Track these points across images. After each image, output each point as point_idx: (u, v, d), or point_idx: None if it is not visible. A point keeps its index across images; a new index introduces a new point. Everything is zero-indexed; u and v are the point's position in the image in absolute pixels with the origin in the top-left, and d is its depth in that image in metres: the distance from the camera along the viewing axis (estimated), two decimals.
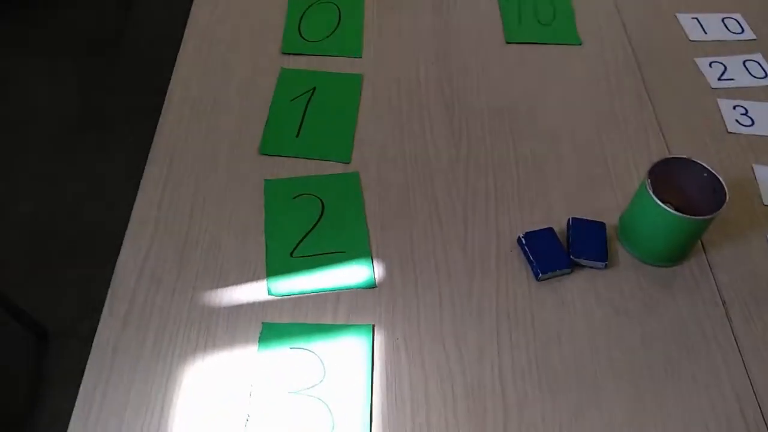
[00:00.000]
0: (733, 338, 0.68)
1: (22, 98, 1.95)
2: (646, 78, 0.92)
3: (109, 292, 0.68)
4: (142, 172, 0.78)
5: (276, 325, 0.66)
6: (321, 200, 0.76)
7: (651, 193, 0.67)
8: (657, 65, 0.94)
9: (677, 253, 0.73)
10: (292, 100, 0.86)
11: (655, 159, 0.70)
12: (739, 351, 0.67)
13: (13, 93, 1.97)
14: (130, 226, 0.74)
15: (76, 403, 0.60)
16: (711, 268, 0.74)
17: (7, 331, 1.45)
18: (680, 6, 1.03)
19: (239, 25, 0.95)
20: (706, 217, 0.66)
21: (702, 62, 0.95)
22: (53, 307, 1.53)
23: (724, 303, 0.71)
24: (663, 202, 0.67)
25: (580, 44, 0.96)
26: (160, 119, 0.83)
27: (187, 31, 0.94)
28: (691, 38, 0.98)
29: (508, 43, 0.96)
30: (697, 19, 1.01)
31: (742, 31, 1.00)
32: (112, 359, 0.63)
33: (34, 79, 2.02)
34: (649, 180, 0.68)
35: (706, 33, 0.99)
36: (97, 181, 1.72)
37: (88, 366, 0.63)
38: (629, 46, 0.96)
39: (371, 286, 0.70)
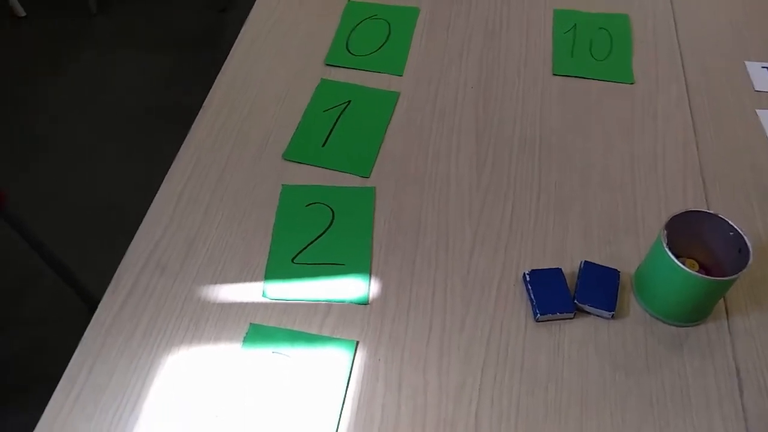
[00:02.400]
0: (742, 412, 0.63)
1: (117, 87, 2.10)
2: (697, 124, 0.87)
3: (116, 273, 0.72)
4: None
5: (263, 328, 0.67)
6: (332, 210, 0.77)
7: (665, 247, 0.63)
8: (712, 112, 0.88)
9: (693, 313, 0.68)
10: (325, 111, 0.88)
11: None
12: (746, 428, 0.62)
13: (109, 82, 2.11)
14: (148, 214, 0.77)
15: (60, 382, 0.63)
16: (731, 333, 0.68)
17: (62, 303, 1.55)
18: (750, 54, 0.96)
19: (291, 33, 0.98)
20: (721, 279, 0.62)
21: (765, 114, 0.89)
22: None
23: (738, 372, 0.65)
24: (684, 257, 0.63)
25: (633, 83, 0.92)
26: (197, 117, 0.87)
27: (240, 35, 0.97)
28: (756, 88, 0.92)
29: (555, 75, 0.93)
30: (767, 68, 0.94)
31: None
32: (103, 340, 0.66)
33: (129, 70, 2.16)
34: (665, 232, 0.64)
35: None
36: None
37: (80, 345, 0.66)
38: (685, 90, 0.91)
39: (363, 303, 0.69)
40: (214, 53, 2.14)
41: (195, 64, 2.18)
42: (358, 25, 0.99)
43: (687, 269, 0.62)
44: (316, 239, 0.75)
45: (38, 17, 2.30)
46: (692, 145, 0.85)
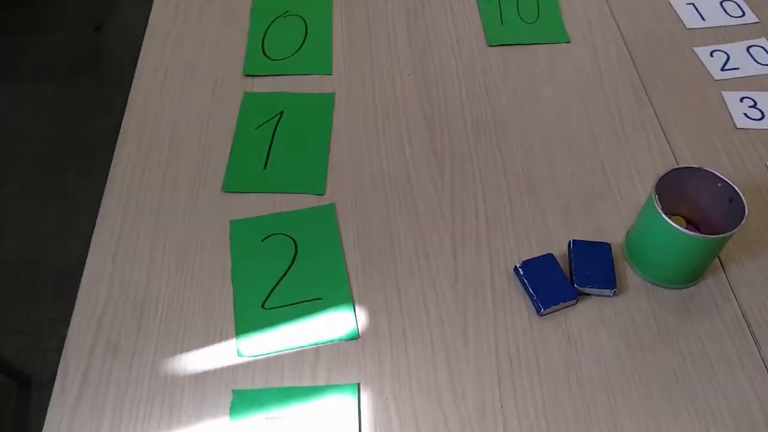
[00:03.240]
0: (763, 364, 0.61)
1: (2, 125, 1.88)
2: (642, 74, 0.85)
3: (61, 364, 0.61)
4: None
5: (248, 392, 0.59)
6: (293, 240, 0.69)
7: (660, 211, 0.60)
8: (653, 59, 0.86)
9: (693, 273, 0.65)
10: (257, 128, 0.79)
11: (659, 164, 0.63)
12: None
13: None
14: (82, 285, 0.66)
15: None
16: (731, 286, 0.66)
17: None
18: None
19: (198, 47, 0.87)
20: (723, 235, 0.59)
21: (702, 52, 0.87)
22: (36, 352, 1.46)
23: (749, 325, 0.63)
24: (672, 215, 0.59)
25: (569, 42, 0.88)
26: (114, 159, 0.76)
27: (141, 58, 0.86)
28: (688, 26, 0.91)
29: (490, 46, 0.88)
30: (693, 4, 0.93)
31: (743, 14, 0.92)
32: None
33: (13, 104, 1.94)
34: (656, 195, 0.60)
35: (704, 19, 0.91)
36: (79, 210, 1.65)
37: None
38: (622, 41, 0.88)
39: (354, 338, 0.62)
40: (100, 75, 1.97)
41: (82, 90, 1.99)
42: (270, 25, 0.90)
43: (687, 232, 0.59)
44: (283, 276, 0.66)
45: None
46: (644, 98, 0.82)
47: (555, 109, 0.81)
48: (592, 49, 0.87)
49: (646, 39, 0.89)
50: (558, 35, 0.89)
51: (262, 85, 0.83)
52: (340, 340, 0.62)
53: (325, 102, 0.81)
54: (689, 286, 0.66)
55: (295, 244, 0.69)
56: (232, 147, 0.77)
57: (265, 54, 0.86)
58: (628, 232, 0.68)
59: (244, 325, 0.63)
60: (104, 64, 2.05)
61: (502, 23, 0.91)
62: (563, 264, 0.66)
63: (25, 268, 1.57)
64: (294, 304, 0.64)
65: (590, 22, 0.91)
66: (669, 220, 0.59)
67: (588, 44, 0.88)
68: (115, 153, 0.76)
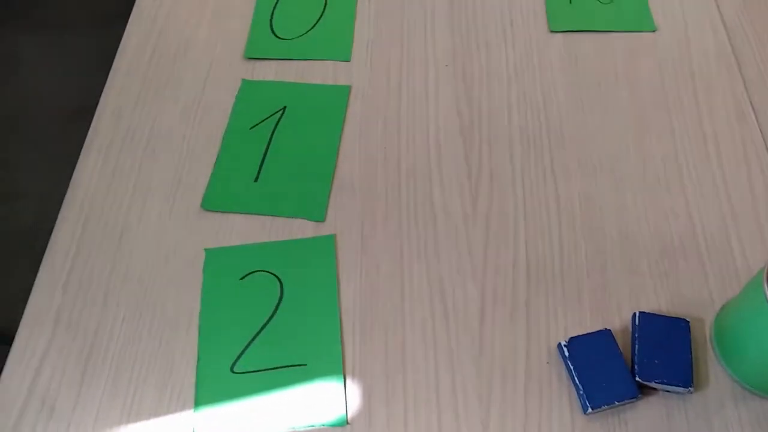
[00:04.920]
0: None
1: (25, 78, 1.80)
2: (748, 80, 0.65)
3: None
4: None
5: None
6: (279, 281, 0.55)
7: None
8: (765, 60, 0.67)
9: None
10: (252, 128, 0.64)
11: (765, 208, 0.45)
12: None
13: (15, 72, 1.81)
14: (23, 322, 0.54)
15: None
16: None
17: None
18: None
19: (195, 19, 0.72)
20: None
21: None
22: None
23: None
24: None
25: (655, 30, 0.69)
26: (79, 162, 0.63)
27: (126, 33, 0.72)
28: None
29: (552, 32, 0.70)
30: None
31: None
32: None
33: (37, 57, 1.85)
34: None
35: None
36: None
37: None
38: (725, 33, 0.69)
39: (341, 425, 0.48)
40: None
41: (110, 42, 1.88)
42: None
43: None
44: (261, 330, 0.53)
45: None
46: (749, 113, 0.63)
47: (631, 121, 0.63)
48: (685, 42, 0.68)
49: (758, 32, 0.69)
50: (642, 21, 0.70)
51: (266, 71, 0.68)
52: (324, 426, 0.48)
53: (338, 97, 0.66)
54: None
55: (281, 286, 0.55)
56: (219, 152, 0.62)
57: (273, 32, 0.71)
58: (719, 312, 0.52)
59: (206, 394, 0.50)
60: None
61: (570, 2, 0.72)
62: (624, 344, 0.50)
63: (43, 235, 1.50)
64: (271, 369, 0.51)
65: (684, 7, 0.71)
66: None
67: (680, 35, 0.69)
68: (82, 153, 0.63)
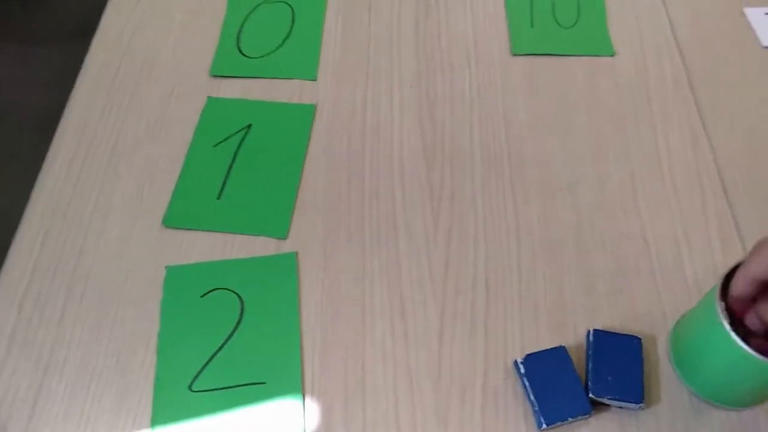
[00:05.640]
0: None
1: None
2: (701, 104, 0.68)
3: None
4: None
5: None
6: (239, 297, 0.55)
7: (725, 324, 0.44)
8: (718, 85, 0.69)
9: (759, 398, 0.50)
10: (217, 145, 0.64)
11: (715, 232, 0.48)
12: None
13: None
14: None
15: None
16: None
17: None
18: None
19: (161, 36, 0.72)
20: None
21: None
22: None
23: None
24: (739, 324, 0.44)
25: (613, 55, 0.71)
26: (40, 174, 0.62)
27: (92, 46, 0.72)
28: (765, 44, 0.73)
29: (514, 54, 0.71)
30: None
31: None
32: None
33: (4, 69, 1.83)
34: (721, 303, 0.45)
35: None
36: None
37: None
38: (680, 60, 0.71)
39: None
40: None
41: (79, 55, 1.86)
42: (250, 13, 0.74)
43: (761, 358, 0.43)
44: (220, 348, 0.53)
45: None
46: (702, 137, 0.65)
47: (589, 143, 0.65)
48: (642, 67, 0.70)
49: (713, 59, 0.71)
50: (601, 45, 0.72)
51: (231, 89, 0.69)
52: None
53: (303, 116, 0.66)
54: (747, 408, 0.50)
55: (242, 304, 0.55)
56: (182, 168, 0.62)
57: (239, 50, 0.71)
58: (674, 327, 0.53)
59: (164, 413, 0.50)
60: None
61: (532, 26, 0.74)
62: (579, 361, 0.51)
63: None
64: (229, 387, 0.51)
65: (642, 33, 0.73)
66: (735, 338, 0.43)
67: (637, 60, 0.71)
68: (43, 168, 0.62)
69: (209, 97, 0.67)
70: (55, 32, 1.90)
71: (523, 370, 0.50)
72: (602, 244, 0.58)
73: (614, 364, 0.51)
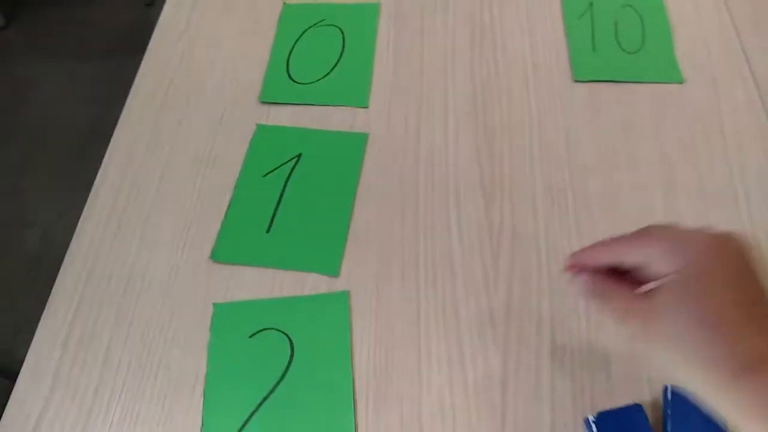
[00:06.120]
0: None
1: (37, 106, 1.80)
2: None
3: None
4: None
5: None
6: (289, 339, 0.52)
7: None
8: None
9: None
10: (266, 175, 0.62)
11: None
12: None
13: (27, 102, 1.81)
14: (20, 378, 0.52)
15: None
16: None
17: None
18: None
19: (209, 62, 0.71)
20: None
21: None
22: None
23: None
24: None
25: (682, 82, 0.67)
26: (85, 210, 0.61)
27: (139, 75, 0.70)
28: None
29: (576, 81, 0.68)
30: None
31: None
32: None
33: (53, 84, 1.86)
34: None
35: None
36: None
37: None
38: (754, 86, 0.66)
39: None
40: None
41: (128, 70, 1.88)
42: (300, 37, 0.72)
43: None
44: (269, 394, 0.50)
45: None
46: None
47: (658, 177, 0.61)
48: (714, 95, 0.66)
49: None
50: (668, 72, 0.68)
51: (281, 116, 0.66)
52: None
53: (355, 145, 0.64)
54: None
55: (292, 346, 0.52)
56: (231, 200, 0.60)
57: (289, 75, 0.69)
58: None
59: None
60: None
61: (594, 50, 0.70)
62: (655, 420, 0.47)
63: (45, 264, 1.48)
64: None
65: (712, 58, 0.69)
66: None
67: (708, 88, 0.67)
68: (89, 199, 0.61)
69: (258, 125, 0.65)
70: (102, 49, 1.93)
71: (594, 428, 0.46)
72: None
73: (696, 426, 0.46)
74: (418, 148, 0.63)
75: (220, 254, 0.57)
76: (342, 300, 0.54)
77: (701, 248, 0.35)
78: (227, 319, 0.54)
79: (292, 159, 0.63)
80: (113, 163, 0.63)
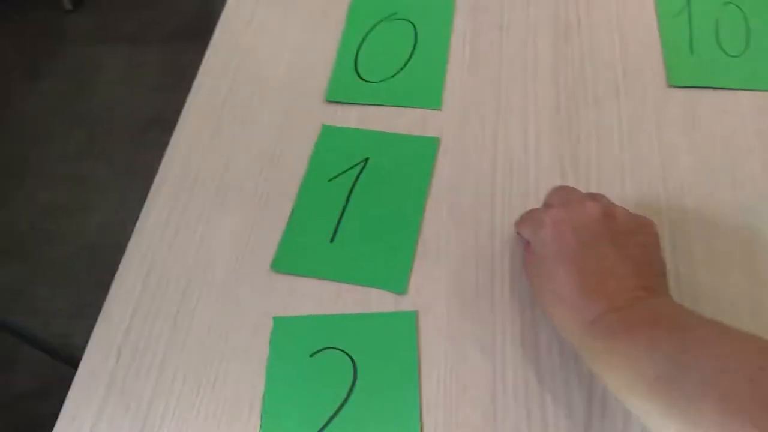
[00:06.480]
0: None
1: (102, 93, 1.82)
2: None
3: None
4: None
5: None
6: (353, 361, 0.49)
7: None
8: None
9: None
10: (331, 180, 0.58)
11: None
12: None
13: (92, 88, 1.84)
14: (73, 387, 0.50)
15: None
16: None
17: None
18: None
19: (273, 58, 0.67)
20: None
21: None
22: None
23: None
24: None
25: None
26: (146, 204, 0.58)
27: (202, 67, 0.67)
28: None
29: (672, 86, 0.62)
30: None
31: None
32: None
33: (117, 69, 1.88)
34: None
35: None
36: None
37: None
38: None
39: None
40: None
41: (188, 57, 1.89)
42: (369, 32, 0.68)
43: None
44: (330, 420, 0.46)
45: (4, 18, 2.01)
46: None
47: (765, 197, 0.54)
48: None
49: None
50: None
51: (347, 117, 0.63)
52: None
53: (426, 150, 0.59)
54: None
55: (355, 369, 0.48)
56: (294, 206, 0.57)
57: (357, 73, 0.65)
58: None
59: None
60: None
61: (692, 52, 0.64)
62: None
63: (100, 251, 1.50)
64: None
65: None
66: None
67: None
68: (148, 199, 0.59)
69: (324, 125, 0.62)
70: (165, 36, 1.94)
71: None
72: None
73: None
74: (495, 154, 0.59)
75: (282, 264, 0.54)
76: (410, 320, 0.50)
77: (546, 231, 0.45)
78: (287, 334, 0.50)
79: (358, 163, 0.59)
80: (174, 161, 0.61)
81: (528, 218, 0.49)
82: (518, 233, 0.51)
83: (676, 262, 0.51)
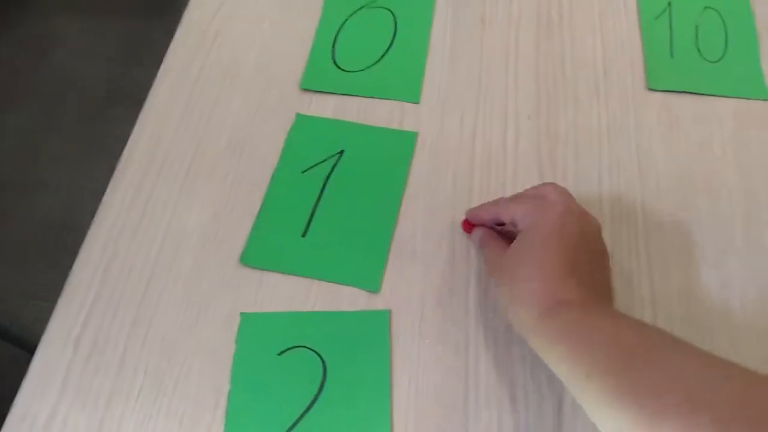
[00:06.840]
0: None
1: (61, 62, 1.74)
2: None
3: None
4: None
5: None
6: (323, 361, 0.47)
7: None
8: None
9: None
10: (304, 172, 0.56)
11: None
12: None
13: (52, 57, 1.76)
14: (26, 382, 0.47)
15: None
16: None
17: None
18: None
19: (247, 41, 0.65)
20: None
21: None
22: None
23: None
24: None
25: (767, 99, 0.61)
26: (105, 196, 0.55)
27: (170, 49, 0.64)
28: None
29: (650, 89, 0.61)
30: None
31: None
32: None
33: (73, 41, 1.80)
34: None
35: None
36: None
37: None
38: None
39: None
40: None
41: (154, 32, 1.82)
42: (348, 19, 0.66)
43: None
44: (298, 420, 0.45)
45: None
46: None
47: (740, 206, 0.55)
48: None
49: None
50: (752, 87, 0.62)
51: (323, 106, 0.61)
52: None
53: (403, 144, 0.58)
54: None
55: (324, 368, 0.47)
56: (265, 197, 0.55)
57: (334, 61, 0.63)
58: None
59: None
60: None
61: (672, 56, 0.64)
62: None
63: (55, 229, 1.44)
64: None
65: None
66: None
67: None
68: (109, 188, 0.56)
69: (298, 114, 0.60)
70: (127, 7, 1.87)
71: None
72: (757, 336, 0.48)
73: None
74: (473, 151, 0.58)
75: (251, 258, 0.52)
76: (382, 320, 0.49)
77: (554, 213, 0.44)
78: (255, 331, 0.49)
79: (333, 156, 0.57)
80: (140, 144, 0.58)
81: (526, 199, 0.47)
82: (473, 222, 0.51)
83: (651, 266, 0.51)
